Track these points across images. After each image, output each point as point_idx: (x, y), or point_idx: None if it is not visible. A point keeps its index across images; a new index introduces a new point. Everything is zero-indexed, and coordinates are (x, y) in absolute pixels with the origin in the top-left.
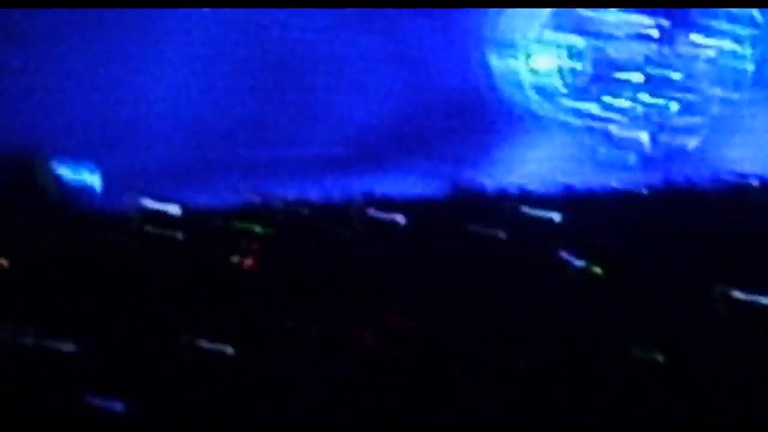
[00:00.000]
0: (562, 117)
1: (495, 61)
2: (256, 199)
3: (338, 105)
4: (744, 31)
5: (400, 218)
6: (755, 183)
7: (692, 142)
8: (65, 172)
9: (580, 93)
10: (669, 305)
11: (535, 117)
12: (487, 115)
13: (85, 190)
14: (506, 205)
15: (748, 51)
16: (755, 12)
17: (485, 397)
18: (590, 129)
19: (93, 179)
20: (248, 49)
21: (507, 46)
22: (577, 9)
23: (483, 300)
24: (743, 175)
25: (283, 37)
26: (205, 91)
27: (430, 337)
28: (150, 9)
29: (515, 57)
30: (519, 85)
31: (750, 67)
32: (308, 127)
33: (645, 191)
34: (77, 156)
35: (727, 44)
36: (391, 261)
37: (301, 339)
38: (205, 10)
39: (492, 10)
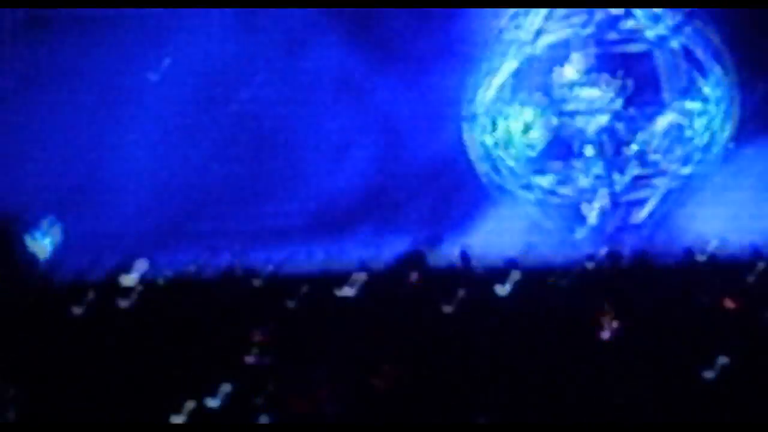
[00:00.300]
0: (518, 189)
1: (465, 133)
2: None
3: (307, 174)
4: (695, 106)
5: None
6: (704, 255)
7: (644, 214)
8: (29, 238)
9: (536, 165)
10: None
11: (496, 188)
12: (451, 185)
13: (48, 255)
14: (464, 274)
15: (702, 123)
16: (713, 84)
17: None
18: (544, 202)
19: (55, 244)
20: (219, 118)
21: (477, 119)
22: (537, 80)
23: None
24: (690, 248)
25: (257, 109)
26: (176, 158)
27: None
28: (124, 74)
29: (484, 129)
30: (482, 157)
31: (704, 140)
32: (276, 196)
33: (593, 263)
34: (43, 219)
35: (680, 119)
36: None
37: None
38: (181, 79)
39: (464, 83)
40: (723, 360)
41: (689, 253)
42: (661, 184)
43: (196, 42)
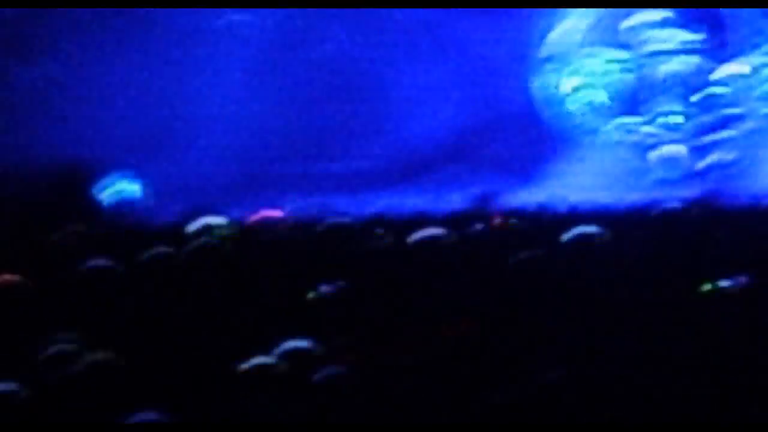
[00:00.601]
0: (607, 132)
1: (540, 78)
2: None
3: (389, 121)
4: None
5: (449, 232)
6: None
7: (735, 157)
8: (111, 184)
9: (625, 108)
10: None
11: (581, 132)
12: (535, 131)
13: (129, 201)
14: (554, 220)
15: None
16: None
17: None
18: (636, 144)
19: (137, 190)
20: (298, 63)
21: (552, 62)
22: (619, 24)
23: (525, 313)
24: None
25: (335, 53)
26: (255, 105)
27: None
28: (198, 19)
29: (560, 73)
30: (563, 101)
31: None
32: (359, 141)
33: (690, 206)
34: (124, 167)
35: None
36: (442, 275)
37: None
38: (255, 22)
39: (538, 27)
40: None
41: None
42: (741, 127)
43: None
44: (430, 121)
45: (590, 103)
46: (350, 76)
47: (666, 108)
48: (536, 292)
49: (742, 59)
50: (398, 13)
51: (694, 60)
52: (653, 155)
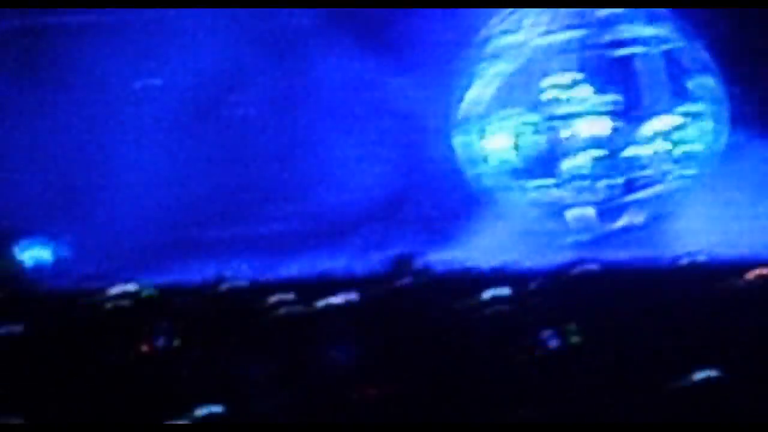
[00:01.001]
0: (523, 193)
1: (459, 138)
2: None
3: (305, 183)
4: (688, 110)
5: (355, 296)
6: (702, 259)
7: (642, 219)
8: (20, 249)
9: (539, 170)
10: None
11: (498, 192)
12: (453, 192)
13: (44, 265)
14: (462, 279)
15: (693, 129)
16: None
17: None
18: (550, 205)
19: (52, 254)
20: (215, 126)
21: (469, 124)
22: (529, 84)
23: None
24: (691, 252)
25: (253, 116)
26: (171, 168)
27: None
28: (115, 82)
29: (477, 134)
30: (480, 162)
31: (696, 146)
32: (275, 204)
33: (596, 267)
34: (40, 231)
35: (681, 121)
36: (349, 337)
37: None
38: (172, 85)
39: (459, 87)
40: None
41: (675, 260)
42: (653, 189)
43: (195, 48)
44: (349, 182)
45: (505, 165)
46: (268, 139)
47: (579, 169)
48: (450, 352)
49: (655, 121)
50: (321, 73)
51: (607, 122)
52: (568, 216)
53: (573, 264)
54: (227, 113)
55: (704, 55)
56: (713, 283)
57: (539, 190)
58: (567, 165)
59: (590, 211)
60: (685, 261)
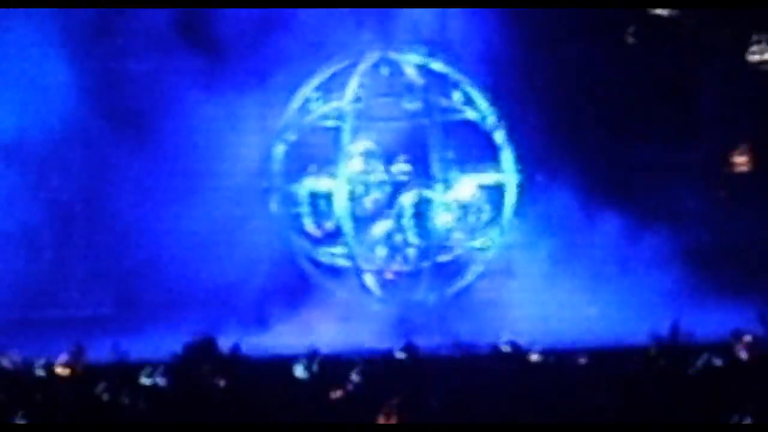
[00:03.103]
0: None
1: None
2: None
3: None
4: (485, 181)
5: (161, 380)
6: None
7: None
8: None
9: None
10: None
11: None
12: (263, 273)
13: None
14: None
15: (490, 199)
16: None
17: None
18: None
19: None
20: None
21: (270, 191)
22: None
23: None
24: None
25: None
26: None
27: None
28: None
29: (278, 200)
30: (285, 230)
31: (491, 215)
32: (86, 288)
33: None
34: None
35: (469, 194)
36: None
37: None
38: None
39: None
40: None
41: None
42: (449, 257)
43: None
44: (161, 266)
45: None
46: (88, 222)
47: (376, 236)
48: None
49: (450, 190)
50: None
51: (406, 190)
52: (367, 281)
53: (387, 351)
54: (49, 196)
55: (502, 126)
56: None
57: (336, 257)
58: (365, 231)
59: (389, 276)
60: (504, 347)
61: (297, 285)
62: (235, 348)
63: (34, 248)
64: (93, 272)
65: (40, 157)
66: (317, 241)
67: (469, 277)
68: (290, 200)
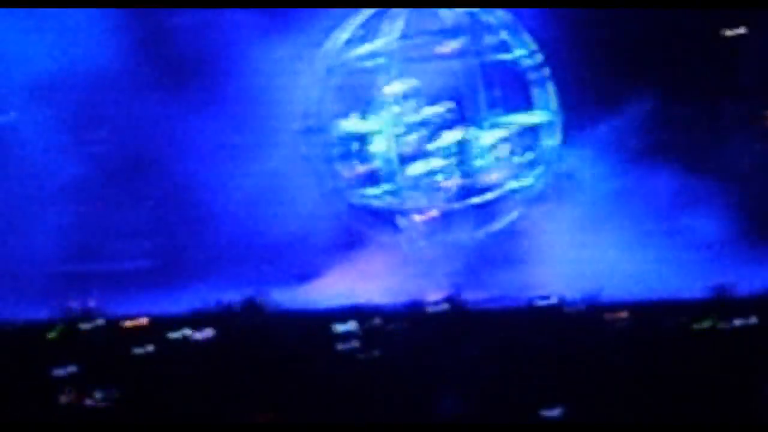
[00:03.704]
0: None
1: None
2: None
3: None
4: (523, 122)
5: (210, 332)
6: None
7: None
8: None
9: (375, 177)
10: None
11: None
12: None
13: None
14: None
15: (528, 141)
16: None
17: None
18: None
19: None
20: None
21: (308, 132)
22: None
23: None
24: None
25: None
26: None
27: None
28: None
29: (315, 143)
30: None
31: (530, 156)
32: (135, 240)
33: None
34: None
35: (507, 134)
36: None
37: None
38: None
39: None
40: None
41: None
42: (491, 197)
43: (51, 88)
44: (193, 221)
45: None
46: (130, 176)
47: (419, 176)
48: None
49: (493, 130)
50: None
51: (448, 130)
52: (405, 222)
53: (425, 303)
54: (98, 149)
55: (545, 67)
56: (567, 325)
57: (380, 197)
58: (406, 171)
59: (430, 216)
60: (539, 303)
61: (342, 237)
62: (279, 304)
63: (81, 200)
64: (141, 225)
65: (89, 109)
66: (360, 183)
67: (510, 218)
68: (333, 142)
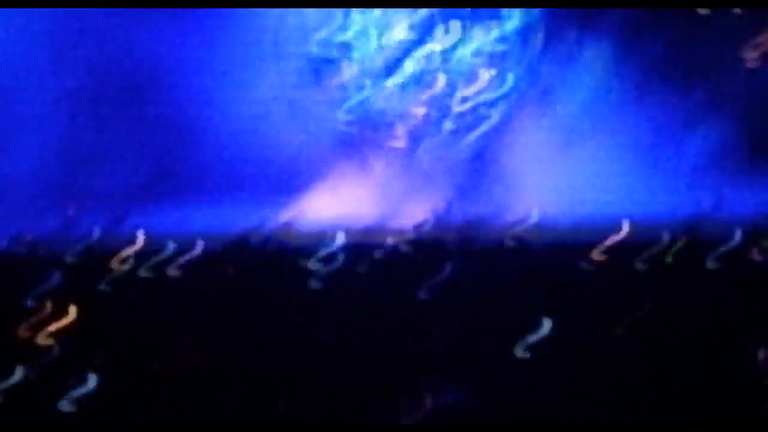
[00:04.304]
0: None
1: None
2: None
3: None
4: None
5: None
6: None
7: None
8: None
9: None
10: None
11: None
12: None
13: None
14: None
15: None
16: None
17: None
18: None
19: None
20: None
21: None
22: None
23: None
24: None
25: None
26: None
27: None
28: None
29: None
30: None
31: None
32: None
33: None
34: None
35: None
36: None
37: None
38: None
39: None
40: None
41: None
42: (469, 106)
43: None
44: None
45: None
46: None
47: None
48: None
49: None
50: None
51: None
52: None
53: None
54: (91, 63)
55: None
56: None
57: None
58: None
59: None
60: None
61: (332, 156)
62: (272, 223)
63: (73, 116)
64: (135, 144)
65: (88, 25)
66: (347, 94)
67: (489, 129)
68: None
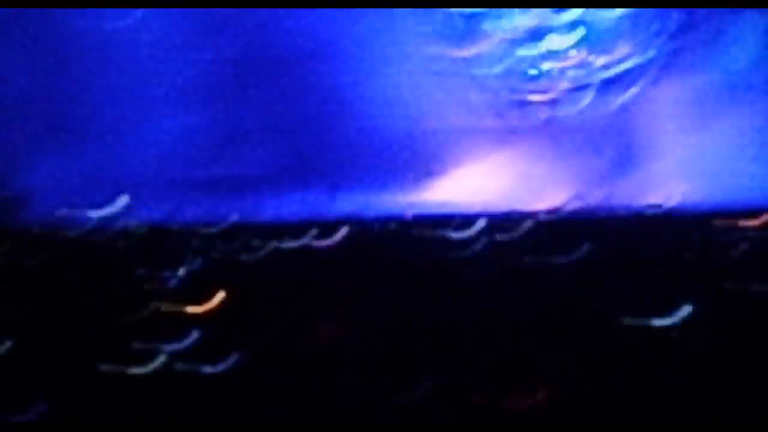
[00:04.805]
0: None
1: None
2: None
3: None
4: None
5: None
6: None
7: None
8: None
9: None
10: None
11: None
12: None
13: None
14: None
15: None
16: None
17: None
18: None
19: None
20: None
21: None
22: None
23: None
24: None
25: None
26: (154, 108)
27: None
28: (93, 22)
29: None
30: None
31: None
32: (262, 145)
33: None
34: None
35: None
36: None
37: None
38: (151, 26)
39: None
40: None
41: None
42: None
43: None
44: (341, 123)
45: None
46: (239, 77)
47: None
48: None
49: None
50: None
51: None
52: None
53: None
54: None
55: None
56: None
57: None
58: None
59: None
60: (658, 208)
61: (473, 139)
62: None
63: (202, 103)
64: (263, 129)
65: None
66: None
67: (630, 95)
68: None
